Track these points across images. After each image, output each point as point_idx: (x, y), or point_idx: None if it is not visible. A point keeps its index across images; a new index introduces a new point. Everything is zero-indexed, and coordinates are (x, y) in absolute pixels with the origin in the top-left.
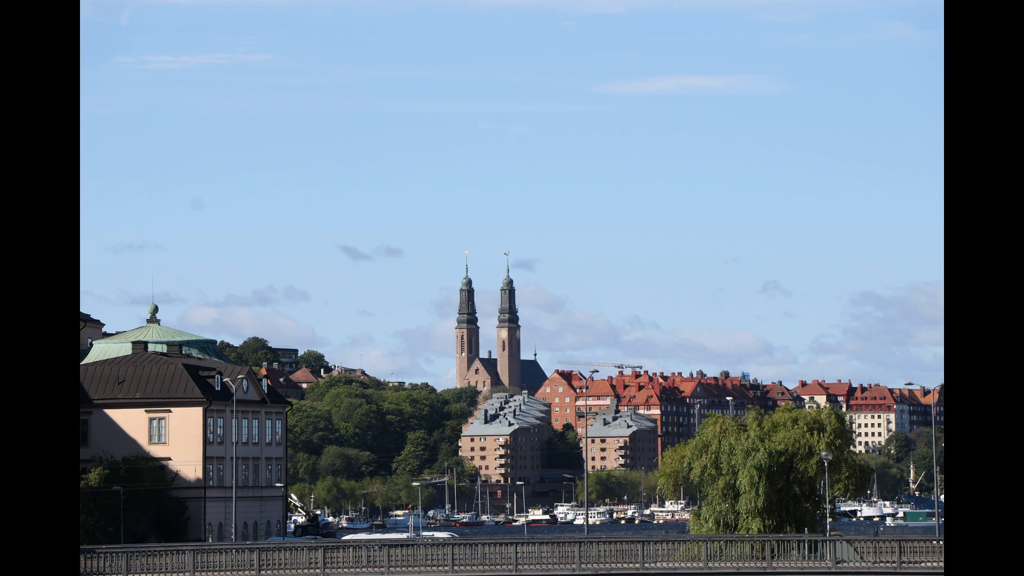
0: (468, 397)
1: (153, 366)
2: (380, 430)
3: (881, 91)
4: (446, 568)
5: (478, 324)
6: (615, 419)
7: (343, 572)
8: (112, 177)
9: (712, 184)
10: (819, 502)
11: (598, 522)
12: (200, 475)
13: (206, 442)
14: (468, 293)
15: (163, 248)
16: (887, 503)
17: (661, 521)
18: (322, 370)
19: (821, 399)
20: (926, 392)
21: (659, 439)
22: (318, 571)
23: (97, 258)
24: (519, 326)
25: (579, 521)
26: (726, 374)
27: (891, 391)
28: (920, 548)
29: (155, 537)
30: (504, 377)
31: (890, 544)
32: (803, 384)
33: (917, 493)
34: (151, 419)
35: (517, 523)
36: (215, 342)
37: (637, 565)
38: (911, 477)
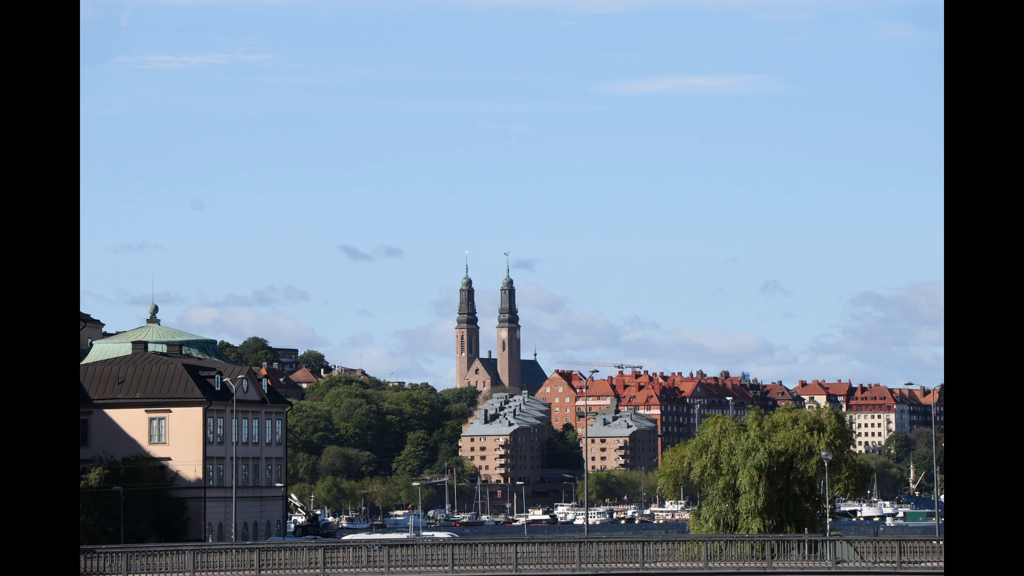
0: (468, 397)
1: (153, 366)
2: (380, 430)
3: (881, 91)
4: (446, 568)
5: (478, 324)
6: (615, 419)
7: (343, 572)
8: (112, 177)
9: (712, 184)
10: (819, 502)
11: (598, 522)
12: (200, 475)
13: (206, 442)
14: (468, 293)
15: (163, 248)
16: (887, 503)
17: (661, 521)
18: (322, 370)
19: (821, 399)
20: (926, 392)
21: (659, 439)
22: (318, 571)
23: (97, 258)
24: (519, 326)
25: (579, 521)
26: (726, 374)
27: (891, 391)
28: (920, 548)
29: (155, 537)
30: (504, 377)
31: (890, 544)
32: (803, 384)
33: (917, 493)
34: (151, 419)
35: (517, 523)
36: (215, 342)
37: (637, 565)
38: (911, 477)
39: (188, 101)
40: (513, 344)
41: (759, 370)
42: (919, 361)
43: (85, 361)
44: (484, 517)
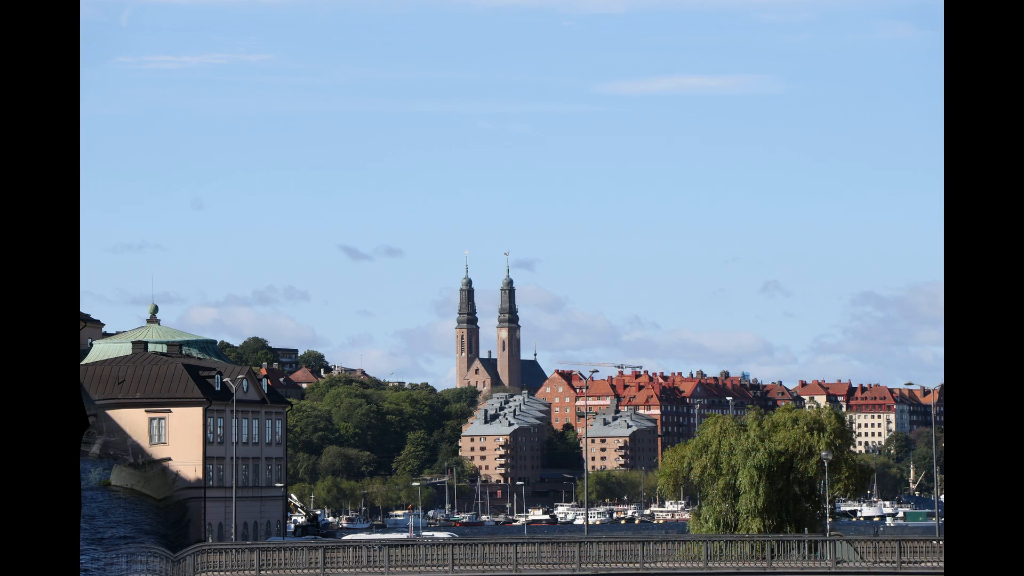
0: (468, 397)
1: (153, 366)
2: (380, 430)
3: (881, 91)
4: (446, 568)
5: (478, 324)
6: (615, 419)
7: (343, 572)
8: (112, 177)
9: (712, 184)
10: (819, 502)
11: (598, 522)
12: (200, 475)
13: (206, 442)
14: (468, 293)
15: (163, 248)
16: (887, 503)
17: (661, 521)
18: (322, 370)
19: (821, 399)
20: (926, 392)
21: (659, 439)
22: (318, 571)
23: (97, 258)
24: (519, 326)
25: (579, 521)
26: (726, 374)
27: (891, 391)
28: (920, 548)
29: None
30: (504, 377)
31: (890, 544)
32: (803, 384)
33: (917, 493)
34: (151, 419)
35: (517, 523)
36: (215, 342)
37: (637, 565)
38: (911, 477)
39: (188, 101)
40: (513, 344)
41: (759, 370)
42: (919, 361)
43: (85, 361)
44: (484, 517)
